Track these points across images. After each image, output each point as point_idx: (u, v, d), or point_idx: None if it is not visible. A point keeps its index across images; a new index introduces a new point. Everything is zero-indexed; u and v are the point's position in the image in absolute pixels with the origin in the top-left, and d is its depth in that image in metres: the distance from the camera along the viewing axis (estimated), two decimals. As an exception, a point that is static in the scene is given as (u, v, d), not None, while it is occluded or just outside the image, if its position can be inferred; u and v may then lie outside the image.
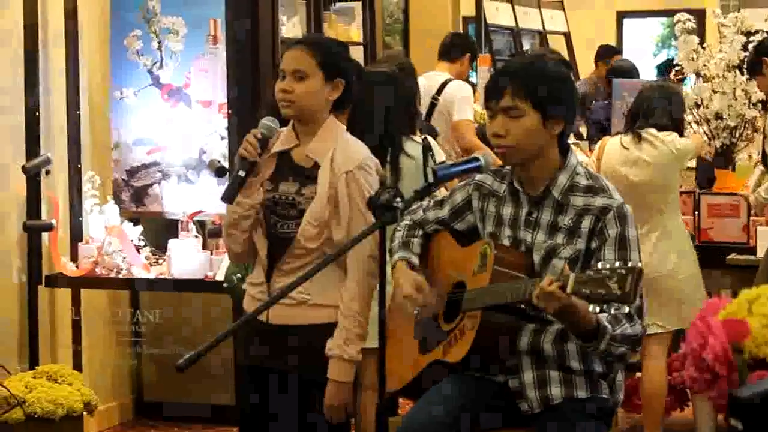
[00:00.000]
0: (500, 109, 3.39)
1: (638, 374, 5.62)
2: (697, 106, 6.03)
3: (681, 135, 5.53)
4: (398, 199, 3.17)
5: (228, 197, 3.70)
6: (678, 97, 5.59)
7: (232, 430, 5.83)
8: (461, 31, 9.17)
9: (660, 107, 5.45)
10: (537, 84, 3.39)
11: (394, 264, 3.63)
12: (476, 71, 9.18)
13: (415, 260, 3.62)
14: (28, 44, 5.74)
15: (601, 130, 6.93)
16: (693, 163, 5.56)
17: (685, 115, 5.75)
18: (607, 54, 10.19)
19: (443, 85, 7.45)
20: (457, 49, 7.76)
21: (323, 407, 3.67)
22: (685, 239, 5.47)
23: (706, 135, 6.04)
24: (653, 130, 5.42)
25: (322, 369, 3.65)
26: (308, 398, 3.70)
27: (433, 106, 7.36)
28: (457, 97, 7.34)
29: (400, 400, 5.03)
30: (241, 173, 3.67)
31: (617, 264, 3.03)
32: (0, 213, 5.57)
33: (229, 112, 5.74)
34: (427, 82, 7.40)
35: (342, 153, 3.69)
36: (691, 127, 6.04)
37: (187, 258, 5.78)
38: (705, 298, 5.36)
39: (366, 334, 3.67)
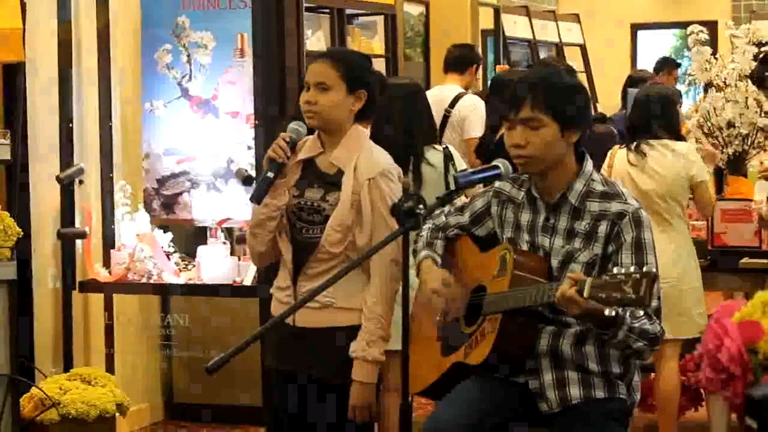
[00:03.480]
0: (519, 120, 3.44)
1: (652, 375, 5.68)
2: (710, 115, 6.14)
3: (679, 136, 5.61)
4: (421, 206, 3.26)
5: (257, 197, 3.76)
6: (670, 100, 5.60)
7: (260, 431, 5.97)
8: (468, 42, 9.21)
9: (654, 118, 5.49)
10: (555, 95, 3.44)
11: (420, 262, 3.68)
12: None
13: (439, 260, 3.68)
14: (62, 59, 5.86)
15: (622, 139, 7.04)
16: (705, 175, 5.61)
17: (681, 114, 5.83)
18: (665, 65, 10.03)
19: (457, 98, 7.50)
20: (465, 60, 7.79)
21: (348, 408, 3.74)
22: (691, 250, 5.52)
23: (719, 143, 6.14)
24: (667, 141, 5.49)
25: (346, 371, 3.72)
26: (334, 400, 3.76)
27: (446, 118, 7.43)
28: (470, 115, 7.37)
29: (421, 400, 5.09)
30: (270, 174, 3.73)
31: (632, 269, 3.09)
32: (35, 221, 5.66)
33: (256, 122, 5.82)
34: (440, 95, 7.44)
35: (365, 160, 3.76)
36: (707, 138, 6.13)
37: (215, 264, 5.88)
38: (704, 313, 5.43)
39: (388, 336, 3.74)
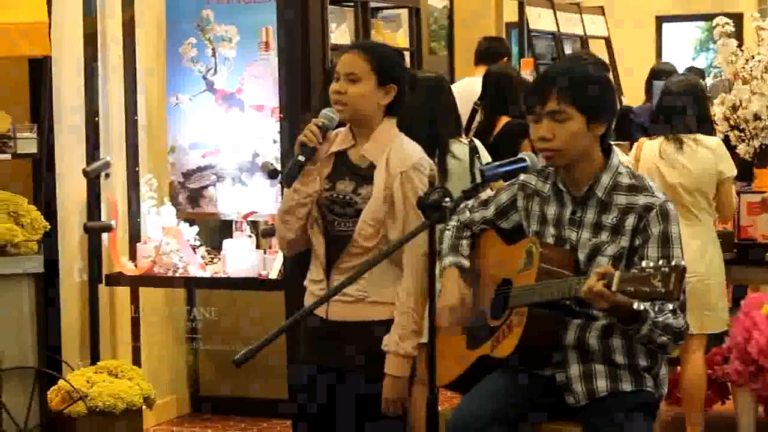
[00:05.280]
0: (546, 113, 3.45)
1: (678, 368, 5.67)
2: (736, 107, 6.12)
3: (713, 129, 5.61)
4: (447, 199, 3.25)
5: (287, 180, 3.75)
6: (702, 92, 5.62)
7: (286, 424, 5.93)
8: (494, 35, 9.23)
9: (689, 108, 5.50)
10: (581, 88, 3.45)
11: (444, 268, 3.69)
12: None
13: (466, 263, 3.69)
14: (87, 53, 5.91)
15: (643, 132, 7.02)
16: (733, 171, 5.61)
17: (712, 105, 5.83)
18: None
19: None
20: (496, 52, 7.79)
21: (380, 402, 3.73)
22: (716, 244, 5.52)
23: (745, 136, 6.13)
24: (697, 135, 5.49)
25: (379, 364, 3.72)
26: (366, 393, 3.76)
27: (475, 111, 7.42)
28: None
29: (447, 393, 5.09)
30: (301, 158, 3.72)
31: (661, 262, 3.08)
32: (62, 215, 5.70)
33: (281, 116, 5.82)
34: (469, 87, 7.45)
35: (397, 154, 3.75)
36: (732, 131, 6.12)
37: (241, 257, 5.90)
38: (726, 307, 5.43)
39: (422, 330, 3.72)
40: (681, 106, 5.54)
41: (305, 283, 3.95)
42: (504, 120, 6.33)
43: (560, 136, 3.45)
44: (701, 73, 8.66)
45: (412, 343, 3.72)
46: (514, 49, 10.35)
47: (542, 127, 3.47)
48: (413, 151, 3.81)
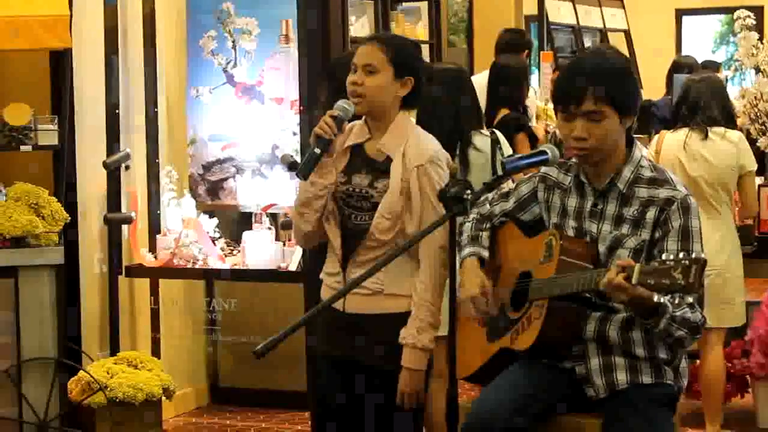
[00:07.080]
0: (582, 113, 3.41)
1: (698, 362, 5.66)
2: (756, 100, 6.11)
3: (735, 125, 5.60)
4: (468, 191, 3.23)
5: (303, 173, 3.74)
6: (724, 88, 5.64)
7: (305, 416, 5.97)
8: (515, 27, 9.21)
9: (714, 100, 5.51)
10: (616, 87, 3.42)
11: (463, 259, 3.67)
12: (539, 68, 9.25)
13: (485, 254, 3.68)
14: (108, 46, 5.93)
15: (664, 125, 7.00)
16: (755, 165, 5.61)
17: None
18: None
19: None
20: (516, 45, 7.79)
21: (396, 395, 3.74)
22: (735, 238, 5.52)
23: (766, 129, 6.12)
24: (719, 129, 5.49)
25: (396, 357, 3.72)
26: (382, 386, 3.76)
27: None
28: None
29: (465, 386, 5.09)
30: (317, 150, 3.71)
31: (681, 255, 3.08)
32: (82, 207, 5.73)
33: (301, 108, 5.83)
34: None
35: (413, 147, 3.75)
36: (753, 124, 6.10)
37: (260, 249, 5.91)
38: (743, 300, 5.43)
39: (438, 323, 3.74)
40: (706, 100, 5.53)
41: (321, 275, 3.96)
42: (503, 112, 6.32)
43: (596, 135, 3.43)
44: (717, 66, 8.65)
45: (430, 336, 3.72)
46: (534, 43, 10.35)
47: (577, 127, 3.43)
48: (430, 144, 3.81)
